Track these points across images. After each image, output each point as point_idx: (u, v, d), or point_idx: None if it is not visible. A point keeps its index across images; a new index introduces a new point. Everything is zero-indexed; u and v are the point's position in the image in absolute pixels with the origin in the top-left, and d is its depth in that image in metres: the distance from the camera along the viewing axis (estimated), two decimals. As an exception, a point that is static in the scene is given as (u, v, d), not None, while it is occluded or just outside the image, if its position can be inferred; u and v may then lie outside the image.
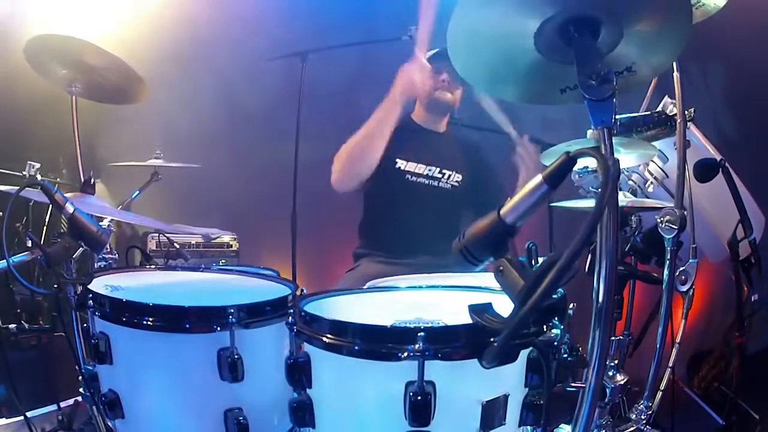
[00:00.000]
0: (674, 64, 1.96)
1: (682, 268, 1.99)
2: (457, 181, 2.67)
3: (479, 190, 2.68)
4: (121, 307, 1.40)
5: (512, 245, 1.04)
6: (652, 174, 2.30)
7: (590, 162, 1.65)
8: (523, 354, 1.16)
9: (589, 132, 1.84)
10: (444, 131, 2.77)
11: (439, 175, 2.66)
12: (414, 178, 2.63)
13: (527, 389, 1.19)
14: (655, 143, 2.09)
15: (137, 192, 2.72)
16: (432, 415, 1.09)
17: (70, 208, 1.51)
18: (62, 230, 1.57)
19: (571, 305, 1.36)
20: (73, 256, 1.63)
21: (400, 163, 2.63)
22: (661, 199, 2.22)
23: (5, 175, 2.58)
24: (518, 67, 1.31)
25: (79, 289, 1.52)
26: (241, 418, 1.38)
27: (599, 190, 0.98)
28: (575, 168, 1.02)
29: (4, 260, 1.51)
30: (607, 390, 1.75)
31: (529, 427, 1.22)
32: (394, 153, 2.62)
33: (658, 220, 1.92)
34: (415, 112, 2.78)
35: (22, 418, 2.06)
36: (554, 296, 1.07)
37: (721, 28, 2.52)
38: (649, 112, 2.15)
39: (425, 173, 2.64)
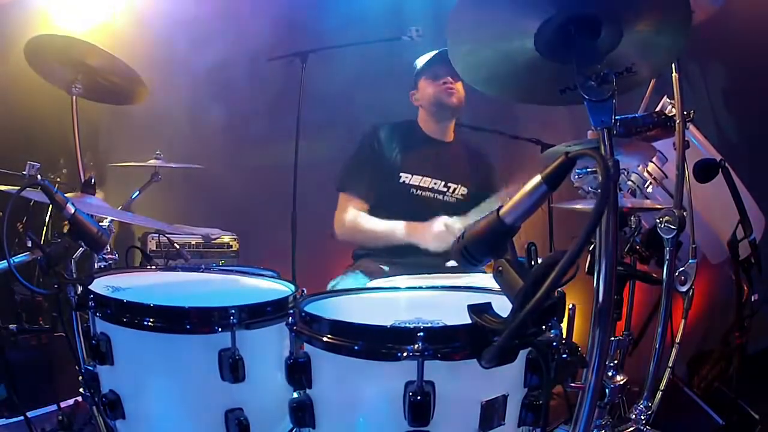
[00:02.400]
0: (673, 64, 1.96)
1: (681, 269, 1.99)
2: (462, 194, 2.63)
3: (485, 200, 2.63)
4: (121, 308, 1.40)
5: (512, 245, 1.04)
6: (651, 174, 2.30)
7: (590, 162, 1.65)
8: (522, 354, 1.16)
9: (589, 132, 1.85)
10: (451, 140, 2.73)
11: (445, 189, 2.62)
12: (419, 192, 2.60)
13: (526, 389, 1.20)
14: (654, 144, 2.10)
15: (137, 192, 2.71)
16: (431, 414, 1.09)
17: (70, 209, 1.51)
18: (63, 230, 1.57)
19: (570, 305, 1.36)
20: (73, 257, 1.64)
21: (405, 177, 2.60)
22: (661, 200, 2.23)
23: (5, 175, 2.58)
24: (518, 67, 1.31)
25: (80, 289, 1.52)
26: (242, 418, 1.37)
27: (599, 190, 0.98)
28: (575, 168, 1.02)
29: (5, 260, 1.51)
30: (607, 390, 1.75)
31: (528, 427, 1.22)
32: (399, 167, 2.60)
33: (658, 221, 1.92)
34: (421, 119, 2.72)
35: (22, 418, 2.06)
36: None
37: (721, 29, 2.53)
38: (648, 113, 2.15)
39: (430, 187, 2.61)
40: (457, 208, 2.58)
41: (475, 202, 2.62)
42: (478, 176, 2.69)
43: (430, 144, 2.69)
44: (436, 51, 2.62)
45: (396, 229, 2.48)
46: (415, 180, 2.60)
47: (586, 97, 1.17)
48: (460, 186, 2.64)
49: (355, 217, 2.58)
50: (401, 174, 2.60)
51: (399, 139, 2.66)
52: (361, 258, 2.66)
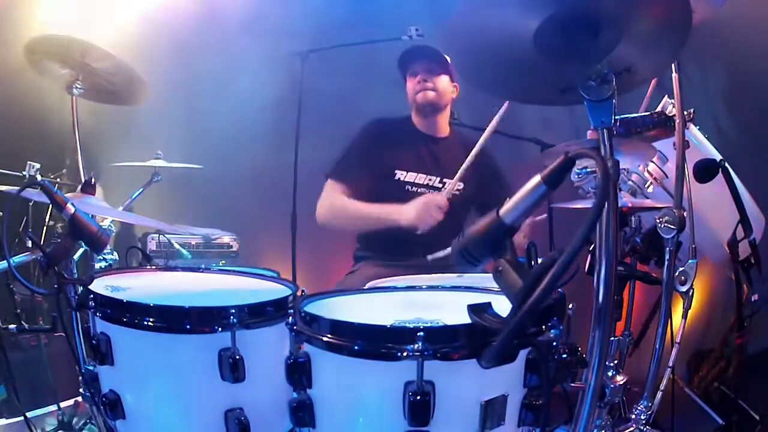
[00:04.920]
0: (674, 64, 1.95)
1: (681, 269, 1.99)
2: (458, 190, 2.60)
3: (481, 195, 2.63)
4: (121, 307, 1.40)
5: (512, 245, 1.04)
6: (651, 174, 2.30)
7: (590, 162, 1.65)
8: (522, 354, 1.16)
9: (589, 132, 1.85)
10: (445, 136, 2.72)
11: (440, 185, 2.60)
12: (414, 189, 2.59)
13: (526, 389, 1.20)
14: (654, 144, 2.09)
15: (137, 192, 2.71)
16: (431, 414, 1.09)
17: (70, 209, 1.51)
18: (63, 230, 1.57)
19: (570, 305, 1.36)
20: (74, 257, 1.64)
21: (400, 174, 2.59)
22: (661, 200, 2.22)
23: (5, 175, 2.58)
24: (518, 67, 1.30)
25: (80, 289, 1.53)
26: (242, 418, 1.38)
27: (598, 190, 0.98)
28: (575, 168, 1.02)
29: (5, 260, 1.51)
30: (607, 390, 1.74)
31: (528, 428, 1.22)
32: (393, 164, 2.59)
33: (658, 221, 1.92)
34: (413, 115, 2.72)
35: (22, 418, 2.06)
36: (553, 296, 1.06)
37: (721, 29, 2.53)
38: (648, 113, 2.15)
39: (425, 183, 2.60)
40: (454, 204, 2.57)
41: (472, 196, 2.61)
42: (474, 170, 2.67)
43: (423, 140, 2.68)
44: (413, 45, 2.62)
45: (379, 210, 2.48)
46: (410, 177, 2.59)
47: (586, 97, 1.17)
48: (456, 182, 2.63)
49: (339, 200, 2.58)
50: (396, 171, 2.59)
51: (393, 135, 2.66)
52: (362, 260, 2.65)
